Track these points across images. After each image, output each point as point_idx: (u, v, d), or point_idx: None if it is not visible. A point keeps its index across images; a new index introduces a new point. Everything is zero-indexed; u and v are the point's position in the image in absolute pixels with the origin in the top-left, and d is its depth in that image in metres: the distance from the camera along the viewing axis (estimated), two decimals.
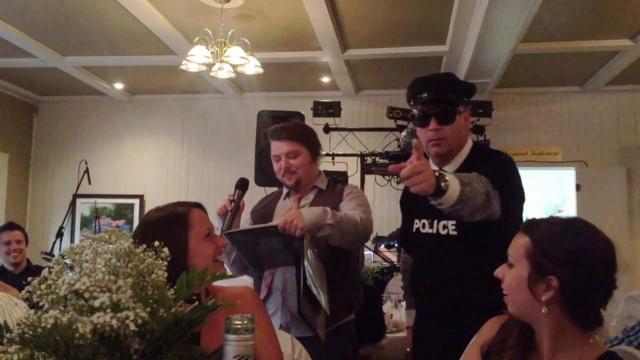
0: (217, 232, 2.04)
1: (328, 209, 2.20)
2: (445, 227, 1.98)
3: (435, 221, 2.01)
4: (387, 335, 3.54)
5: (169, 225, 1.49)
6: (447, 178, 1.59)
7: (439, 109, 1.99)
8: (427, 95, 2.02)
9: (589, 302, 1.28)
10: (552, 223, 1.33)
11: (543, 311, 1.27)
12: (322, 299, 2.05)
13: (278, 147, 2.38)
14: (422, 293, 2.13)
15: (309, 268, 2.03)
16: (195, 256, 1.47)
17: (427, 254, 2.09)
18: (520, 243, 1.33)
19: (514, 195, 1.89)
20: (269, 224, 2.16)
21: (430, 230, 2.03)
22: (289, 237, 2.06)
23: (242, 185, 2.31)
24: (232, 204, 2.24)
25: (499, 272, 1.38)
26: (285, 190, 2.49)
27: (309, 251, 2.09)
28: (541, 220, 1.36)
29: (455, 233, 1.96)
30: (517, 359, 1.33)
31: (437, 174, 1.58)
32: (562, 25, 4.72)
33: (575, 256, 1.26)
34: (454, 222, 1.95)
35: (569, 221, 1.34)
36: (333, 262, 2.24)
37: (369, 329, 3.43)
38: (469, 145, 2.06)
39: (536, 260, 1.28)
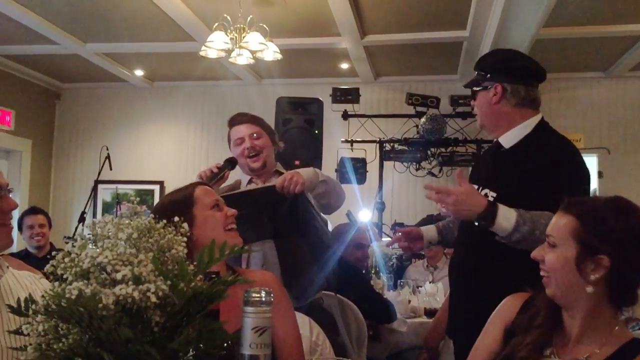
0: None
1: (316, 169, 2.34)
2: (486, 195, 1.97)
3: (480, 188, 2.03)
4: (407, 320, 3.54)
5: (175, 205, 1.55)
6: (499, 212, 1.74)
7: (469, 83, 2.15)
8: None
9: (633, 281, 1.28)
10: (596, 201, 1.32)
11: (588, 290, 1.26)
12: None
13: (240, 131, 2.47)
14: (455, 255, 2.22)
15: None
16: (205, 226, 1.50)
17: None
18: (563, 223, 1.31)
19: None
20: (266, 184, 2.27)
21: None
22: (277, 204, 2.17)
23: (231, 162, 2.44)
24: (218, 170, 2.36)
25: (537, 253, 1.35)
26: (246, 178, 2.54)
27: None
28: (583, 199, 1.35)
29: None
30: (543, 338, 1.33)
31: (488, 201, 1.78)
32: (586, 9, 4.63)
33: (625, 234, 1.25)
34: (494, 194, 1.96)
35: (612, 199, 1.32)
36: (307, 237, 2.33)
37: (373, 309, 3.36)
38: (531, 121, 2.04)
39: (585, 239, 1.26)
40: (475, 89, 2.10)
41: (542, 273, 1.34)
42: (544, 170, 1.85)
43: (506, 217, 1.72)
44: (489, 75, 2.06)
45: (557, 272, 1.30)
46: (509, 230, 1.72)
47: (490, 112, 2.06)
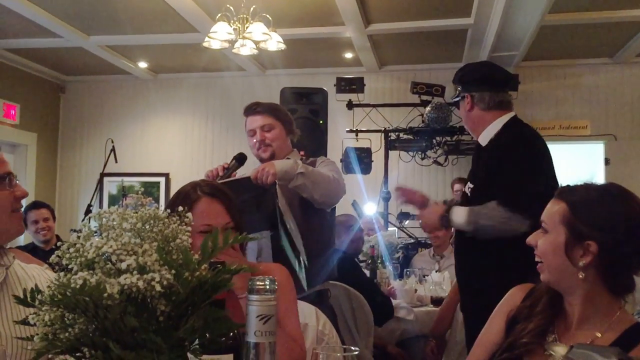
0: None
1: (299, 161, 2.28)
2: (469, 187, 2.35)
3: (469, 182, 2.41)
4: (414, 309, 3.54)
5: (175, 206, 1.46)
6: (451, 219, 2.25)
7: (451, 98, 2.65)
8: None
9: (625, 267, 1.28)
10: (589, 189, 1.33)
11: (580, 276, 1.27)
12: (302, 260, 2.16)
13: (253, 122, 2.46)
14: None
15: (291, 228, 2.11)
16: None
17: None
18: (555, 209, 1.32)
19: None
20: (242, 175, 2.23)
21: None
22: (262, 191, 2.13)
23: (239, 158, 2.38)
24: (225, 171, 2.29)
25: (531, 239, 1.37)
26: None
27: (288, 219, 2.16)
28: (577, 186, 1.35)
29: (468, 194, 2.35)
30: (544, 324, 1.33)
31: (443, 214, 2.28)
32: None
33: (614, 221, 1.26)
34: (472, 185, 2.33)
35: (605, 187, 1.34)
36: (307, 228, 2.30)
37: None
38: (500, 121, 2.36)
39: (573, 225, 1.28)
40: (456, 100, 2.50)
41: (536, 259, 1.36)
42: (503, 163, 2.20)
43: (458, 215, 2.22)
44: (460, 87, 2.44)
45: (548, 258, 1.32)
46: (462, 223, 2.20)
47: (468, 118, 2.43)
